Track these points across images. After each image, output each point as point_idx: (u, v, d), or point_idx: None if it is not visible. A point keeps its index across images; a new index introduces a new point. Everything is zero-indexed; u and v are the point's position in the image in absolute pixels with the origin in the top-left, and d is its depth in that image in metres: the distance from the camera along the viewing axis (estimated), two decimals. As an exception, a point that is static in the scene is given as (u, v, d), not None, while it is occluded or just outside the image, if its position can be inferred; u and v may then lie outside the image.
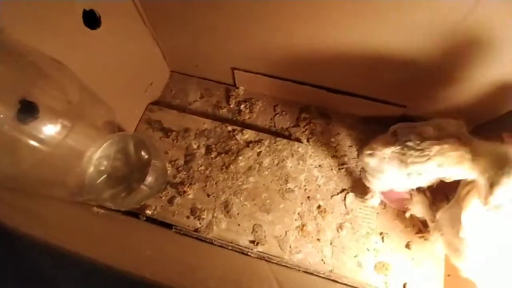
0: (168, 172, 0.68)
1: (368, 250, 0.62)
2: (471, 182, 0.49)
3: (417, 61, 0.52)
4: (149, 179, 0.58)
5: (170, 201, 0.65)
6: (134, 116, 0.72)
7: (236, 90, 0.78)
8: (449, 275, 0.60)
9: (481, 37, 0.45)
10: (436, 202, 0.60)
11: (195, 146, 0.70)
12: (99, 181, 0.58)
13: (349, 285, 0.53)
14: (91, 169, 0.57)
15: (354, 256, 0.61)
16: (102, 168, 0.60)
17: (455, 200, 0.50)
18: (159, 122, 0.73)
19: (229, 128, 0.71)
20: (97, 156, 0.59)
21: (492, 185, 0.38)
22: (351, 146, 0.71)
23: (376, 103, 0.66)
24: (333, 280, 0.53)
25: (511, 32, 0.42)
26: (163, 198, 0.65)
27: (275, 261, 0.54)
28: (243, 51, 0.64)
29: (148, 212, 0.63)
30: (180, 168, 0.68)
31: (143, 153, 0.63)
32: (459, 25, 0.43)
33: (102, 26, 0.50)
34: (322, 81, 0.66)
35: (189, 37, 0.65)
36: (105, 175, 0.59)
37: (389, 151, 0.48)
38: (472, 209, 0.46)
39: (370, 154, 0.51)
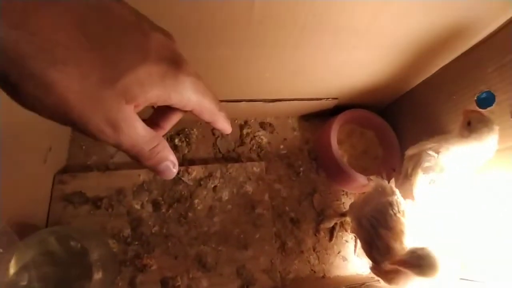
0: (115, 250, 0.55)
1: (346, 241, 0.65)
2: (415, 156, 0.54)
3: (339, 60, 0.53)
4: (96, 277, 0.45)
5: (131, 283, 0.53)
6: (41, 200, 0.55)
7: (163, 124, 0.67)
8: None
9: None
10: (385, 176, 0.66)
11: (138, 207, 0.58)
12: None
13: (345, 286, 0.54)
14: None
15: (338, 253, 0.63)
16: (24, 283, 0.46)
17: (404, 176, 0.55)
18: (80, 193, 0.58)
19: (171, 171, 0.62)
20: (11, 273, 0.44)
21: None
22: (301, 148, 0.71)
23: (312, 101, 0.66)
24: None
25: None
26: (120, 284, 0.53)
27: (274, 300, 0.50)
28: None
29: (107, 310, 0.50)
30: (129, 240, 0.56)
31: (72, 243, 0.50)
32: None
33: None
34: (256, 95, 0.62)
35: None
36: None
37: None
38: (421, 182, 0.52)
39: None
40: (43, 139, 0.56)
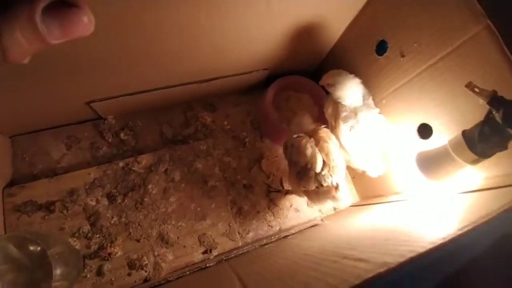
0: (77, 246, 0.57)
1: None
2: (333, 111, 0.62)
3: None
4: (58, 271, 0.48)
5: (99, 272, 0.56)
6: (-9, 214, 0.55)
7: (105, 121, 0.69)
8: (353, 177, 0.77)
9: None
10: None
11: (93, 203, 0.61)
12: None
13: (296, 232, 0.61)
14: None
15: (290, 206, 0.70)
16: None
17: (330, 129, 0.63)
18: (31, 201, 0.58)
19: (121, 164, 0.64)
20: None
21: None
22: (244, 121, 0.75)
23: (244, 75, 0.71)
24: (284, 237, 0.59)
25: None
26: (88, 275, 0.56)
27: (232, 255, 0.56)
28: (89, 83, 0.56)
29: (80, 300, 0.53)
30: (89, 235, 0.58)
31: (31, 248, 0.51)
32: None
33: None
34: (189, 78, 0.66)
35: (7, 93, 0.51)
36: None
37: None
38: (344, 131, 0.60)
39: None
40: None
